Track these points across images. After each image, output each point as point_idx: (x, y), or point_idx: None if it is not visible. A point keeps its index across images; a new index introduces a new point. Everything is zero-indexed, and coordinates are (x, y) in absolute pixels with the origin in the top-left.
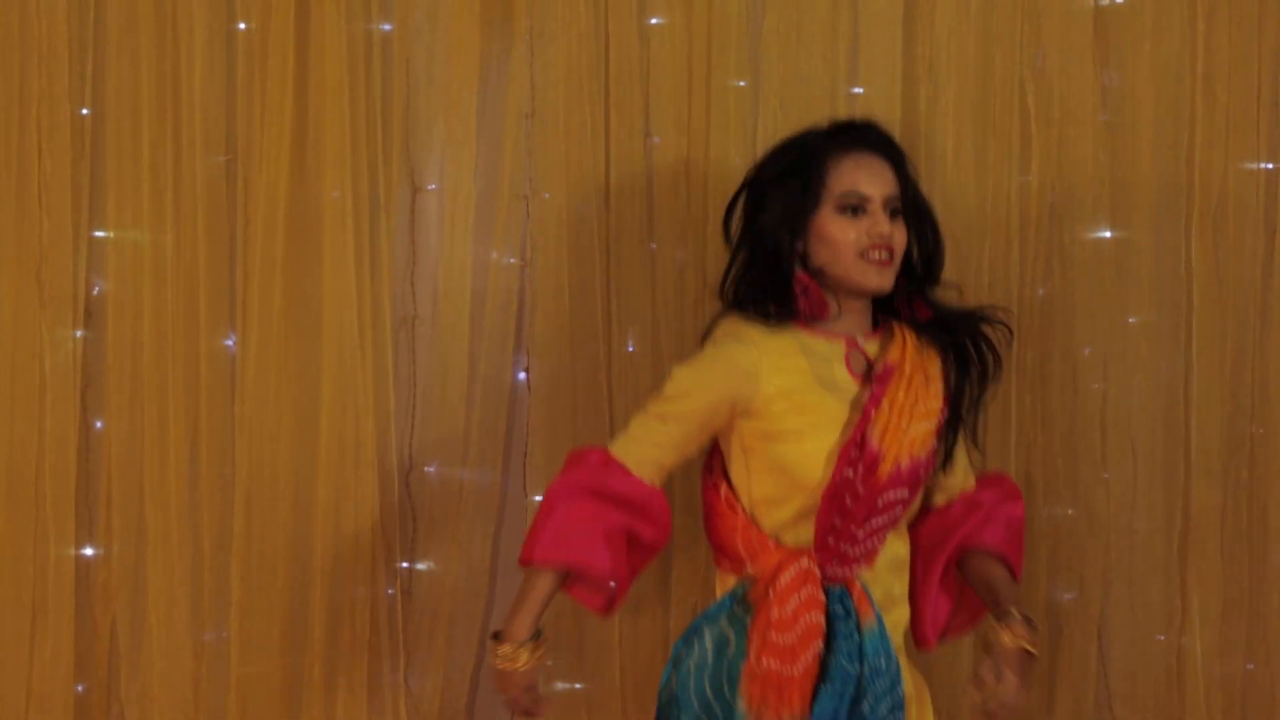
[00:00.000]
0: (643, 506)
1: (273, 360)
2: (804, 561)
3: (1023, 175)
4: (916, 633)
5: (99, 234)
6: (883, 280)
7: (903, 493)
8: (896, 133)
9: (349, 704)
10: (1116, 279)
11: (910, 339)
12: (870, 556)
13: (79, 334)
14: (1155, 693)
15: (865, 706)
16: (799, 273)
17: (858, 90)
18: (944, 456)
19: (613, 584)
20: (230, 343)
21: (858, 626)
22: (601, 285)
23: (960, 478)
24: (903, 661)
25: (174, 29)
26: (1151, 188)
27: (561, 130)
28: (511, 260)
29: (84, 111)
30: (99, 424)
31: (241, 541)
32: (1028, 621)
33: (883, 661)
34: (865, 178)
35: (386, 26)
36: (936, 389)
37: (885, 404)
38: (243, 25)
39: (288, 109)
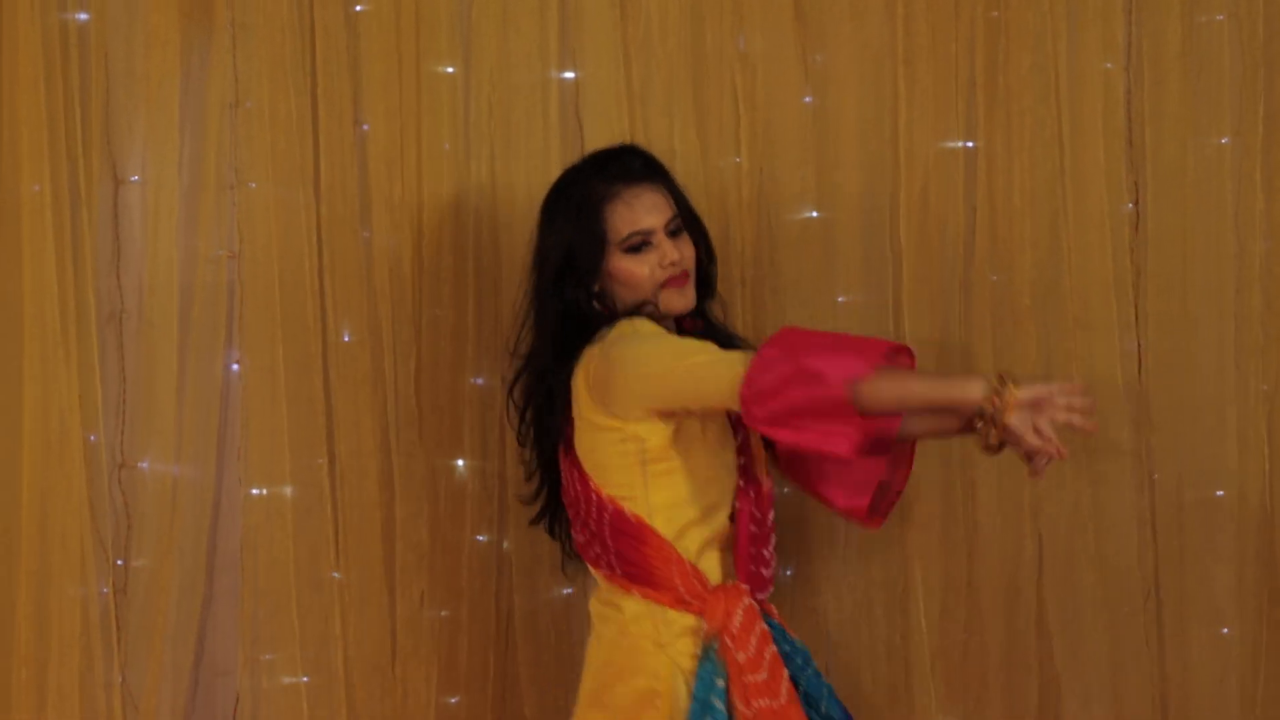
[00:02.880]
0: None
1: None
2: (746, 600)
3: (735, 158)
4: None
5: None
6: (686, 299)
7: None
8: (605, 116)
9: (60, 706)
10: (824, 259)
11: None
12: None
13: None
14: (880, 663)
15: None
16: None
17: (569, 75)
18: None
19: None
20: None
21: (786, 636)
22: (313, 275)
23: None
24: None
25: None
26: (857, 168)
27: (267, 120)
28: (220, 252)
29: None
30: None
31: None
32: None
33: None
34: (641, 211)
35: (83, 17)
36: None
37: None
38: None
39: None
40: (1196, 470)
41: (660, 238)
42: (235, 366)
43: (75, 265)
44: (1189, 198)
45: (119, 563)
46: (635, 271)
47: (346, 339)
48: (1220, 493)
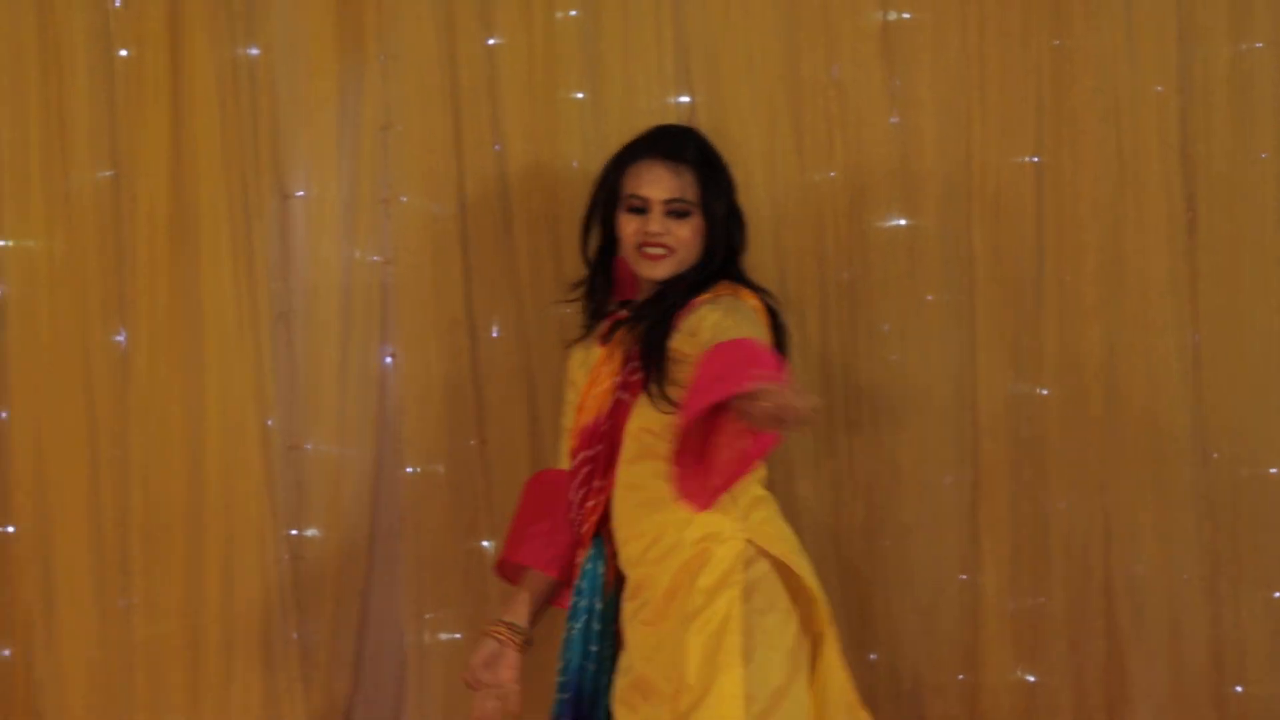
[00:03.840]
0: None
1: (161, 353)
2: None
3: (829, 172)
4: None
5: None
6: (654, 270)
7: (591, 450)
8: (719, 137)
9: (245, 660)
10: (909, 263)
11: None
12: (590, 515)
13: None
14: (955, 628)
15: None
16: (618, 258)
17: (685, 99)
18: (655, 395)
19: None
20: (121, 338)
21: (596, 595)
22: (462, 278)
23: None
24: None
25: (56, 58)
26: (936, 181)
27: (416, 141)
28: (375, 258)
29: None
30: (4, 414)
31: (139, 516)
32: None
33: (586, 627)
34: (647, 182)
35: (253, 51)
36: (617, 358)
37: (593, 379)
38: (123, 53)
39: (165, 127)
40: (1250, 450)
41: (655, 209)
42: (389, 359)
43: (249, 271)
44: (1237, 206)
45: (293, 533)
46: (624, 228)
47: (495, 334)
48: (1273, 470)
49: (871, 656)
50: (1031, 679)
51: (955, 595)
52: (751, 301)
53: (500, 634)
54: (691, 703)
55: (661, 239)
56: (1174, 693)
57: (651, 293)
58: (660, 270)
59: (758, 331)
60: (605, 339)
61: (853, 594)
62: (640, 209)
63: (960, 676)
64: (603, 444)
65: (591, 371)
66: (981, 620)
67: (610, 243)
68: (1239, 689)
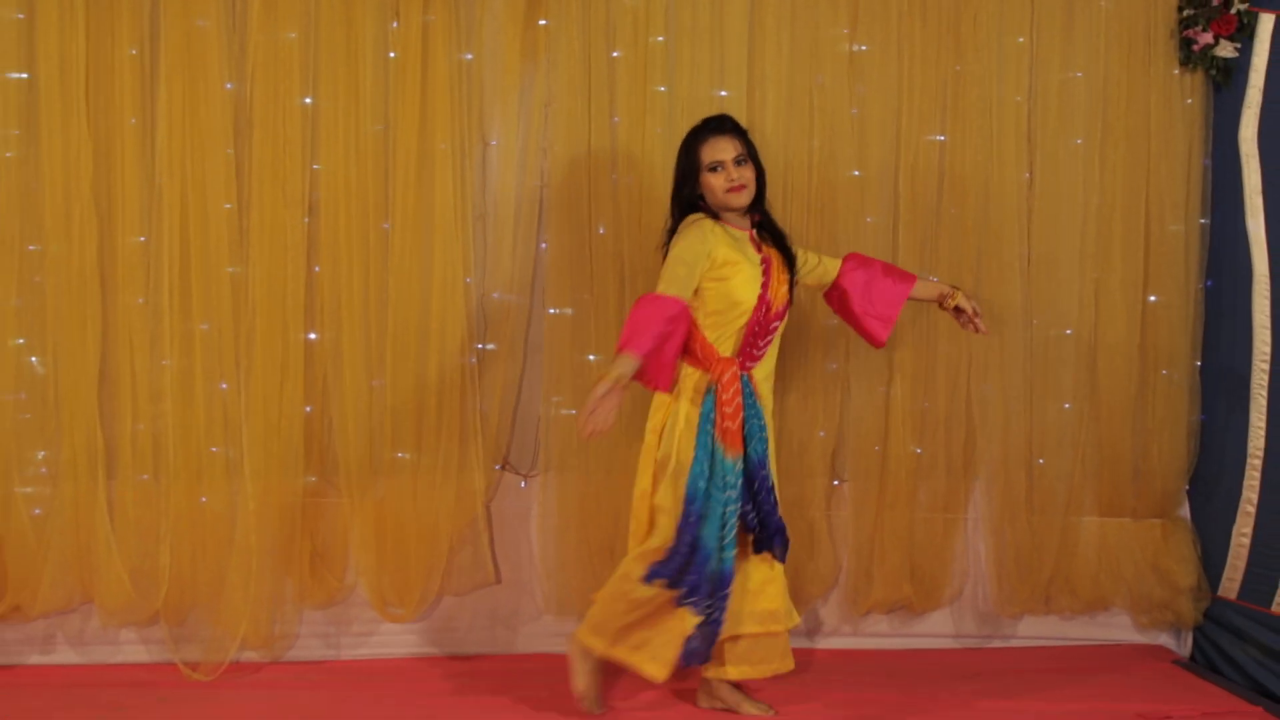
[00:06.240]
0: (678, 315)
1: (409, 237)
2: (735, 367)
3: (811, 142)
4: (874, 338)
5: (315, 166)
6: (741, 199)
7: (779, 323)
8: (742, 118)
9: (449, 423)
10: (860, 198)
11: (768, 241)
12: (761, 360)
13: (306, 220)
14: (874, 423)
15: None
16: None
17: (724, 93)
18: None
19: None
20: (386, 226)
21: (755, 399)
22: (586, 198)
23: (817, 270)
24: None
25: (354, 56)
26: (878, 148)
27: (564, 115)
28: (535, 183)
29: (307, 101)
30: (317, 268)
31: (392, 332)
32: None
33: (759, 417)
34: (719, 150)
35: (469, 56)
36: (784, 266)
37: (771, 276)
38: (392, 55)
39: (416, 100)
40: (1055, 318)
41: (729, 165)
42: (544, 245)
43: (461, 189)
44: (1059, 171)
45: (479, 346)
46: (712, 184)
47: (601, 231)
48: (1067, 331)
49: (821, 434)
50: (919, 451)
51: (876, 399)
52: None
53: (618, 385)
54: None
55: (740, 180)
56: (1003, 461)
57: (750, 222)
58: (743, 199)
59: None
60: (759, 246)
61: (811, 395)
62: (717, 168)
63: (876, 448)
64: (781, 320)
65: (767, 267)
66: (890, 413)
67: (691, 195)
68: (1040, 461)
